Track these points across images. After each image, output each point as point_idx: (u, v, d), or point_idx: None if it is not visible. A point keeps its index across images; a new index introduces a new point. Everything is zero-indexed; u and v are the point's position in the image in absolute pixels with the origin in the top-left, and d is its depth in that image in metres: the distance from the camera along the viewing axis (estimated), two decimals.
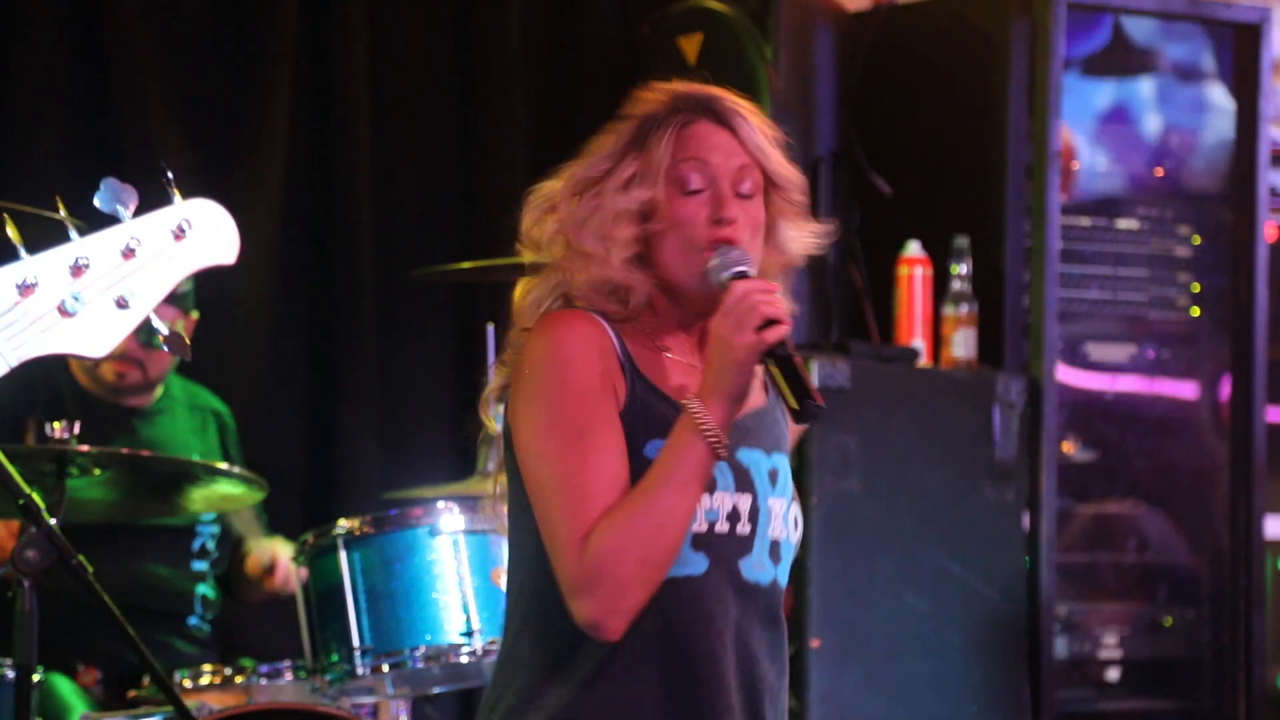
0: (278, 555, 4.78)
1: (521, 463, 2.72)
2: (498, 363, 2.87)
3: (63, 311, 2.11)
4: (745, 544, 2.74)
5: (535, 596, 2.73)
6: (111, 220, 2.15)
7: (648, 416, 2.70)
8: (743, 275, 2.69)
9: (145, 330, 4.60)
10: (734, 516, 2.73)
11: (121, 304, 2.14)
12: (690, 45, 5.36)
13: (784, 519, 2.79)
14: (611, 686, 2.70)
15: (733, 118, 2.80)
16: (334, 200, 5.44)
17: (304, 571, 4.35)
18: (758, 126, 2.81)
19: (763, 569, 2.76)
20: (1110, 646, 5.27)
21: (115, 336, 2.14)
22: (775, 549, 2.78)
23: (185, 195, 2.21)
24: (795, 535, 2.82)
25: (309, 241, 5.45)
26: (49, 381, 4.76)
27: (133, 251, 2.13)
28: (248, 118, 5.35)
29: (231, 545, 4.94)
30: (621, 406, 2.72)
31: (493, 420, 2.87)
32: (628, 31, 5.62)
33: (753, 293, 2.65)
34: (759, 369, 2.69)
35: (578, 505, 2.63)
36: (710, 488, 2.71)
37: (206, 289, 4.86)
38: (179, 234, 2.16)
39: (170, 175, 2.19)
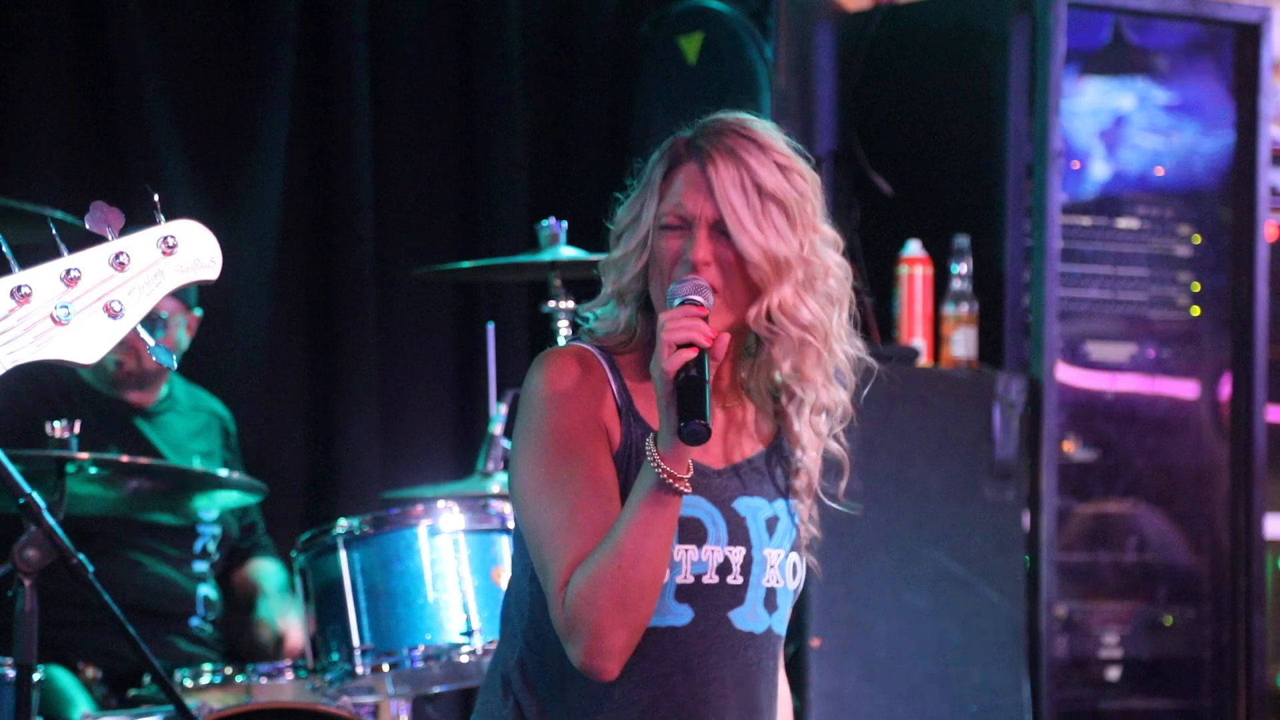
0: (288, 628, 4.78)
1: (515, 504, 2.74)
2: None
3: (55, 319, 2.19)
4: (737, 595, 2.75)
5: (528, 632, 2.76)
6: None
7: (642, 461, 2.67)
8: (687, 304, 2.66)
9: (144, 321, 4.61)
10: (724, 569, 2.74)
11: (111, 313, 2.22)
12: (690, 45, 5.36)
13: (780, 568, 2.79)
14: None
15: (712, 162, 2.74)
16: (334, 199, 5.44)
17: (304, 574, 4.36)
18: (748, 167, 2.74)
19: (756, 619, 2.77)
20: (1110, 646, 5.27)
21: (105, 344, 2.22)
22: (770, 598, 2.78)
23: (186, 194, 2.28)
24: (794, 583, 2.81)
25: (309, 241, 5.45)
26: (56, 380, 4.76)
27: (123, 264, 2.23)
28: (248, 117, 5.35)
29: (231, 547, 4.94)
30: (616, 449, 2.72)
31: None
32: (628, 31, 5.63)
33: (668, 320, 2.62)
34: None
35: (560, 554, 2.65)
36: (700, 540, 2.72)
37: (207, 288, 4.86)
38: (167, 249, 2.25)
39: (157, 197, 2.28)
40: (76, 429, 4.00)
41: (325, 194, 5.45)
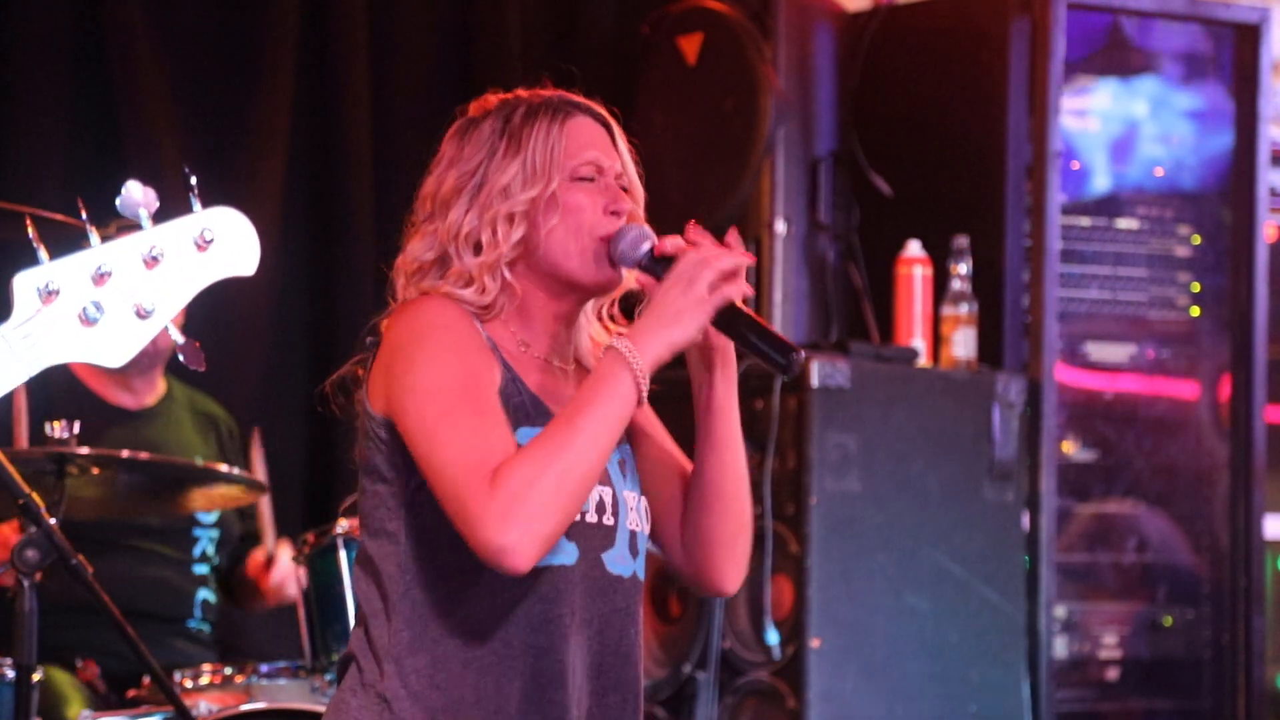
0: (277, 553, 4.77)
1: (408, 425, 2.65)
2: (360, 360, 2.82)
3: (84, 320, 2.07)
4: (609, 536, 2.71)
5: (403, 583, 2.68)
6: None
7: (510, 404, 2.66)
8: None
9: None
10: (600, 508, 2.69)
11: (141, 314, 2.10)
12: (690, 45, 5.35)
13: (639, 511, 2.76)
14: (478, 674, 2.65)
15: (608, 119, 2.89)
16: (335, 199, 5.45)
17: (303, 573, 4.35)
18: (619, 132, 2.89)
19: (623, 562, 2.73)
20: (1110, 646, 5.27)
21: (134, 346, 2.10)
22: (634, 541, 2.74)
23: (185, 194, 2.17)
24: (647, 527, 2.78)
25: (310, 240, 5.45)
26: (53, 381, 4.74)
27: (156, 260, 2.09)
28: (248, 116, 5.35)
29: (232, 547, 4.94)
30: (497, 385, 2.68)
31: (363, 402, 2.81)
32: (628, 31, 5.62)
33: (708, 254, 2.66)
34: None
35: (479, 445, 2.56)
36: None
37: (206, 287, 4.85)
38: (202, 245, 2.11)
39: (195, 180, 2.14)
40: (76, 429, 4.00)
41: (326, 193, 5.45)
